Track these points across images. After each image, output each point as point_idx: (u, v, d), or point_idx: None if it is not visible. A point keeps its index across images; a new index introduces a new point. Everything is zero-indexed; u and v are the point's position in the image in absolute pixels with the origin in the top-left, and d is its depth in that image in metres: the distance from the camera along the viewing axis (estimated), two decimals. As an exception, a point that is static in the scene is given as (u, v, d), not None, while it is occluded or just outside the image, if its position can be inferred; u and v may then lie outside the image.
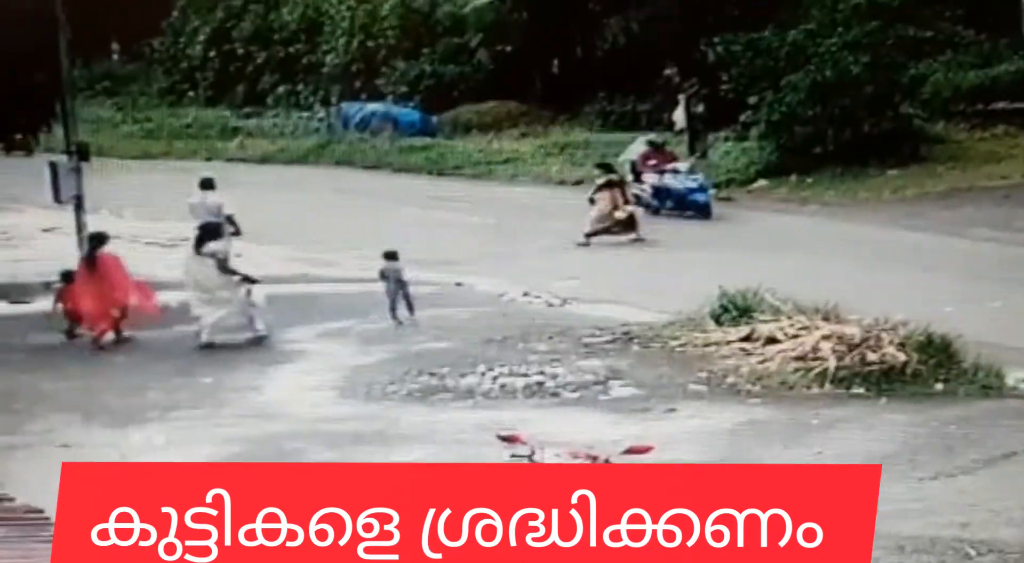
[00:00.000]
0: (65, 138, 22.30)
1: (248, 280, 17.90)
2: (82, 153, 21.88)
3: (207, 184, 22.27)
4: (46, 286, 21.17)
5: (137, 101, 47.77)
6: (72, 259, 21.17)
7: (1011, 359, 14.99)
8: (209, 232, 18.22)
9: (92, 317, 17.86)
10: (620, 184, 24.57)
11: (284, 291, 20.90)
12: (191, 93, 47.33)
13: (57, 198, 21.93)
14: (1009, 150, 31.02)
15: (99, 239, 18.85)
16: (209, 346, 17.29)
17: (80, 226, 21.85)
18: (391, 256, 18.50)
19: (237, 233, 21.64)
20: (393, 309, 18.26)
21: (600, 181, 24.55)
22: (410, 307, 18.32)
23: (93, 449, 12.92)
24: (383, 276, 18.45)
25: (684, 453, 11.93)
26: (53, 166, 21.74)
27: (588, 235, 23.53)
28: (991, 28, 35.38)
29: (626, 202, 24.03)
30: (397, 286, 18.33)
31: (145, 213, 27.66)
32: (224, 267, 17.74)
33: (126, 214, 28.25)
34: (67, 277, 18.41)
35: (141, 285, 18.44)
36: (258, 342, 17.45)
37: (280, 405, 14.63)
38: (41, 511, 10.41)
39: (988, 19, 35.18)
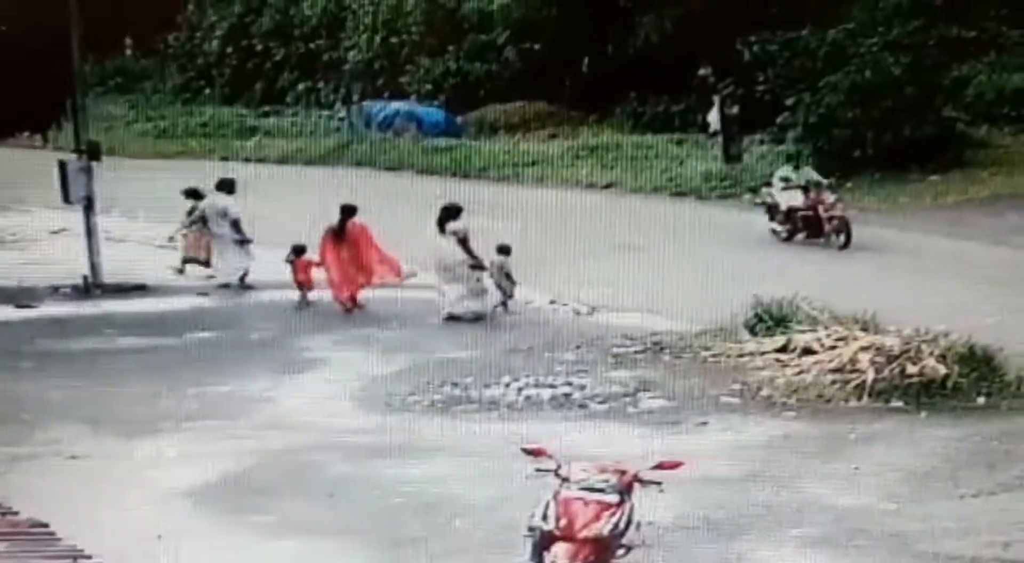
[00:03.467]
0: (75, 136, 22.38)
1: (478, 266, 19.35)
2: (93, 152, 21.98)
3: (224, 186, 22.38)
4: (54, 290, 21.33)
5: (151, 98, 47.89)
6: (82, 262, 21.37)
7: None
8: (450, 212, 19.60)
9: (337, 285, 19.91)
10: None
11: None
12: (207, 91, 47.44)
13: (67, 198, 22.04)
14: (1055, 155, 30.91)
15: (349, 210, 20.35)
16: (451, 318, 18.83)
17: (90, 228, 21.97)
18: (503, 250, 19.57)
19: (244, 241, 21.73)
20: (504, 303, 19.45)
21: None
22: (505, 304, 19.43)
23: (102, 461, 12.95)
24: (492, 268, 19.51)
25: (716, 469, 11.91)
26: (63, 165, 21.85)
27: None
28: (1037, 28, 35.25)
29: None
30: (506, 280, 19.43)
31: (158, 215, 27.72)
32: (464, 246, 19.23)
33: (139, 215, 28.35)
34: (298, 251, 20.44)
35: (388, 256, 20.14)
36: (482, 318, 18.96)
37: (297, 415, 14.65)
38: (46, 525, 10.48)
39: (1034, 19, 35.04)
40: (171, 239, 22.26)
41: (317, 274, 20.43)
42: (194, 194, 22.68)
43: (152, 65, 50.41)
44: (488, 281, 19.44)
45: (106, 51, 46.73)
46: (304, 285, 20.48)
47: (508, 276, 19.66)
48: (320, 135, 40.68)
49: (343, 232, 20.26)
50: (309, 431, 13.90)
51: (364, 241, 20.20)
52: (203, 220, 22.34)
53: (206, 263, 22.16)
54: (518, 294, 20.56)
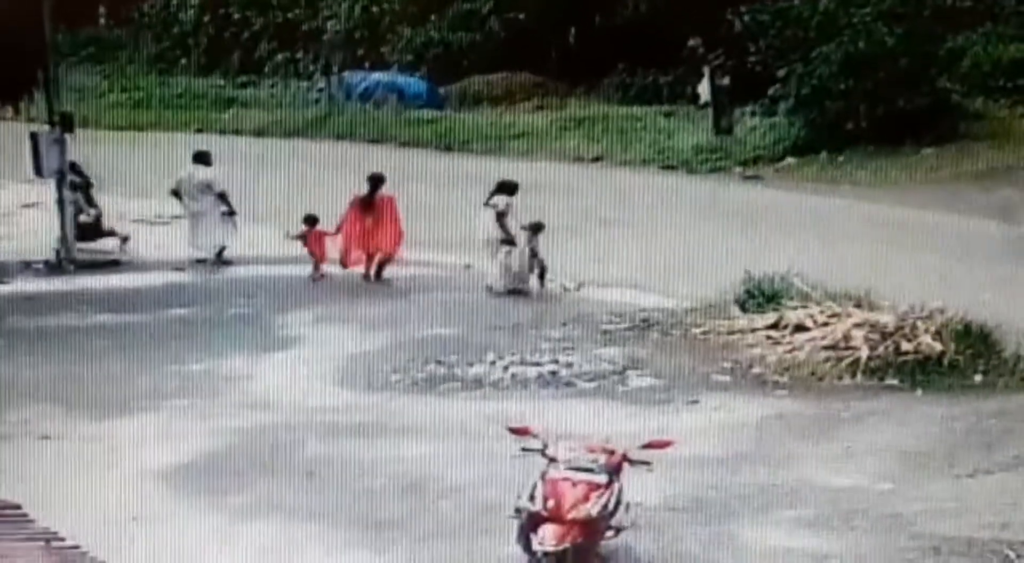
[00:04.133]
0: (48, 108, 22.20)
1: (509, 242, 19.54)
2: (66, 124, 21.83)
3: (200, 158, 22.27)
4: (26, 266, 21.20)
5: (125, 69, 47.67)
6: (53, 235, 21.26)
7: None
8: (503, 188, 20.01)
9: (347, 253, 20.39)
10: None
11: (280, 272, 20.90)
12: (183, 61, 47.23)
13: (39, 172, 21.90)
14: (1052, 128, 30.93)
15: (378, 180, 20.64)
16: (490, 291, 19.22)
17: (63, 201, 21.84)
18: (535, 228, 19.69)
19: (231, 212, 21.67)
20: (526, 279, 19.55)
21: None
22: (541, 277, 19.63)
23: (75, 442, 12.87)
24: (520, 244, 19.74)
25: (707, 448, 11.88)
26: (35, 137, 21.70)
27: None
28: (1036, -3, 35.23)
29: None
30: (531, 258, 19.59)
31: (133, 189, 27.58)
32: (500, 221, 19.57)
33: (112, 189, 28.21)
34: (310, 221, 20.69)
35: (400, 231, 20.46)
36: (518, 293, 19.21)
37: (275, 394, 14.58)
38: (18, 507, 10.40)
39: (1032, -12, 35.02)
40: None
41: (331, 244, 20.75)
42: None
43: (126, 35, 50.15)
44: (516, 258, 19.58)
45: (79, 20, 46.51)
46: (317, 257, 20.69)
47: (535, 253, 19.74)
48: (299, 106, 40.55)
49: (371, 201, 20.52)
50: (287, 410, 13.83)
51: (389, 213, 20.45)
52: (176, 194, 22.22)
53: None
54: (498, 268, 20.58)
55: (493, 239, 19.72)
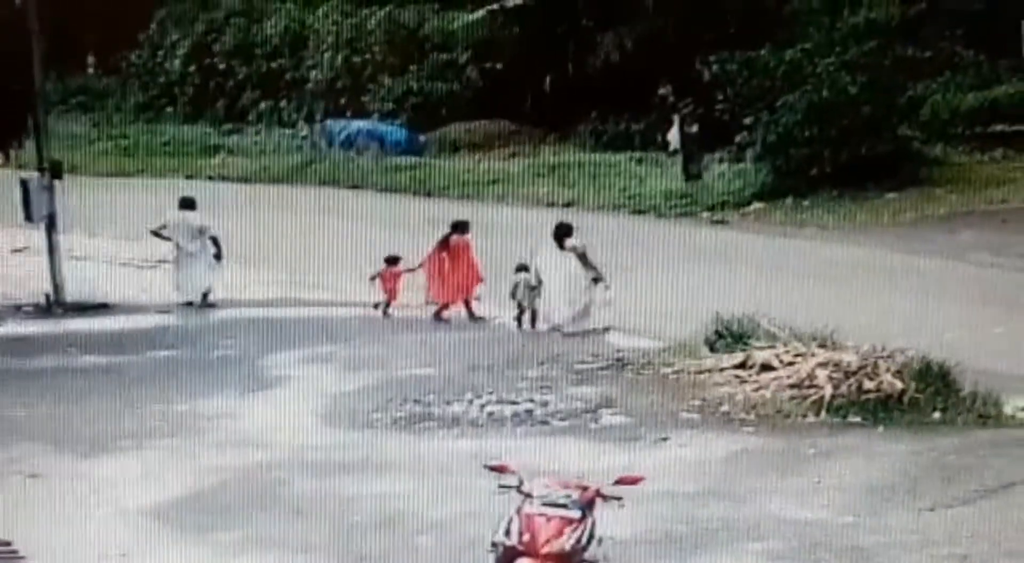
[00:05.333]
0: (38, 154, 22.26)
1: (599, 279, 19.65)
2: (55, 170, 21.88)
3: (187, 204, 22.33)
4: (17, 309, 21.21)
5: (113, 117, 47.72)
6: (44, 279, 21.27)
7: (1012, 387, 15.06)
8: (565, 229, 20.18)
9: (437, 295, 20.78)
10: None
11: (265, 314, 20.94)
12: (169, 109, 47.33)
13: (29, 217, 21.93)
14: (1009, 174, 31.17)
15: (457, 226, 21.02)
16: (558, 330, 19.44)
17: (52, 246, 21.86)
18: (524, 268, 20.00)
19: (219, 256, 21.72)
20: (519, 319, 19.96)
21: None
22: (533, 321, 19.89)
23: (64, 480, 12.87)
24: (514, 287, 20.03)
25: (676, 483, 11.95)
26: (24, 183, 21.74)
27: None
28: (991, 49, 35.60)
29: None
30: (529, 294, 19.90)
31: (120, 233, 27.61)
32: (584, 260, 19.65)
33: (100, 234, 28.24)
34: (391, 261, 21.31)
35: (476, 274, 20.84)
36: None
37: (261, 433, 14.61)
38: (8, 543, 10.42)
39: (988, 40, 35.40)
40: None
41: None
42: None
43: (114, 83, 50.24)
44: (600, 295, 19.76)
45: (69, 69, 46.59)
46: (389, 295, 21.17)
47: (533, 289, 20.01)
48: (283, 154, 40.65)
49: (447, 244, 20.90)
50: (272, 448, 13.86)
51: (464, 256, 20.81)
52: (157, 235, 22.27)
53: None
54: (475, 309, 20.73)
55: (572, 280, 19.81)
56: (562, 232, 20.20)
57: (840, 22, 35.38)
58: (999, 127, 33.08)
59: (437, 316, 20.73)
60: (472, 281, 20.89)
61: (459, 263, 20.77)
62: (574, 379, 16.25)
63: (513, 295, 20.12)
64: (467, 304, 20.89)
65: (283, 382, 16.82)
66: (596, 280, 19.69)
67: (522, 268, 20.13)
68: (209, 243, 21.77)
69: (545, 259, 20.03)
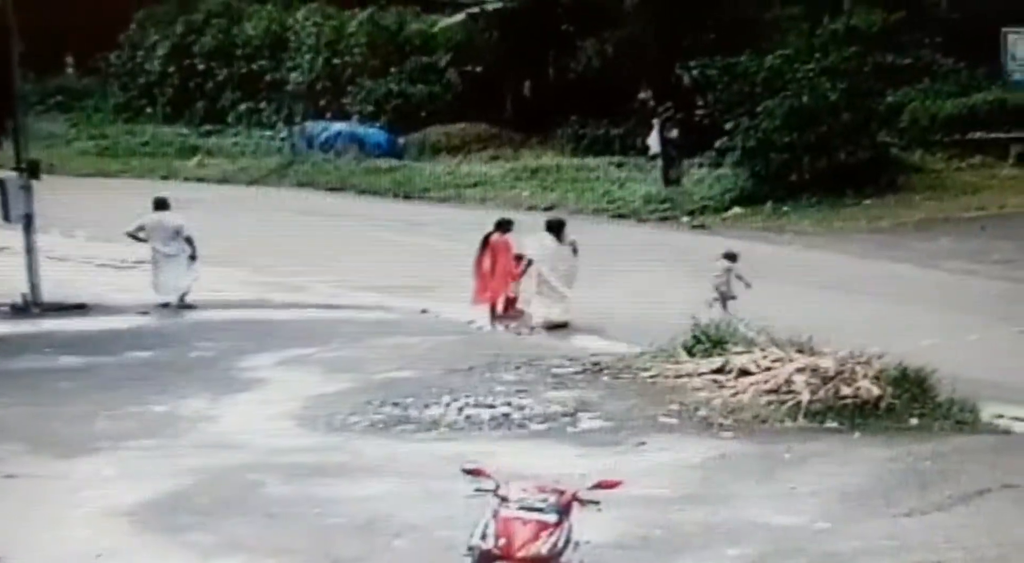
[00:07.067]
0: (16, 154, 22.20)
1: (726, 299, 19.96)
2: (33, 170, 21.81)
3: (161, 204, 22.29)
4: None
5: (92, 117, 47.64)
6: (21, 279, 21.21)
7: (987, 394, 15.12)
8: (560, 224, 20.97)
9: (481, 295, 20.87)
10: None
11: (242, 316, 20.90)
12: (148, 110, 47.25)
13: (6, 217, 21.87)
14: (986, 181, 31.35)
15: (501, 224, 21.06)
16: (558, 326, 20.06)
17: (29, 246, 21.79)
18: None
19: (194, 257, 21.68)
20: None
21: None
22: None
23: (40, 480, 12.82)
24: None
25: (654, 488, 11.96)
26: (2, 183, 21.67)
27: None
28: (969, 57, 35.79)
29: None
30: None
31: (98, 234, 27.54)
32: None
33: (78, 234, 28.18)
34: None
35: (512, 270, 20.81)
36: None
37: (238, 435, 14.57)
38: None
39: (966, 48, 35.58)
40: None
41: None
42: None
43: (93, 84, 50.16)
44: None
45: (47, 69, 46.47)
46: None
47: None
48: (262, 155, 40.63)
49: (487, 243, 20.95)
50: (248, 450, 13.83)
51: (503, 255, 20.77)
52: (134, 237, 22.22)
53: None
54: (454, 313, 20.73)
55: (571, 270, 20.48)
56: (560, 226, 20.81)
57: (820, 29, 35.57)
58: (977, 134, 33.27)
59: (501, 317, 20.77)
60: (501, 281, 20.85)
61: (499, 263, 20.78)
62: (552, 383, 16.24)
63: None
64: (506, 304, 20.88)
65: (260, 384, 16.78)
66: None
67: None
68: (184, 244, 21.71)
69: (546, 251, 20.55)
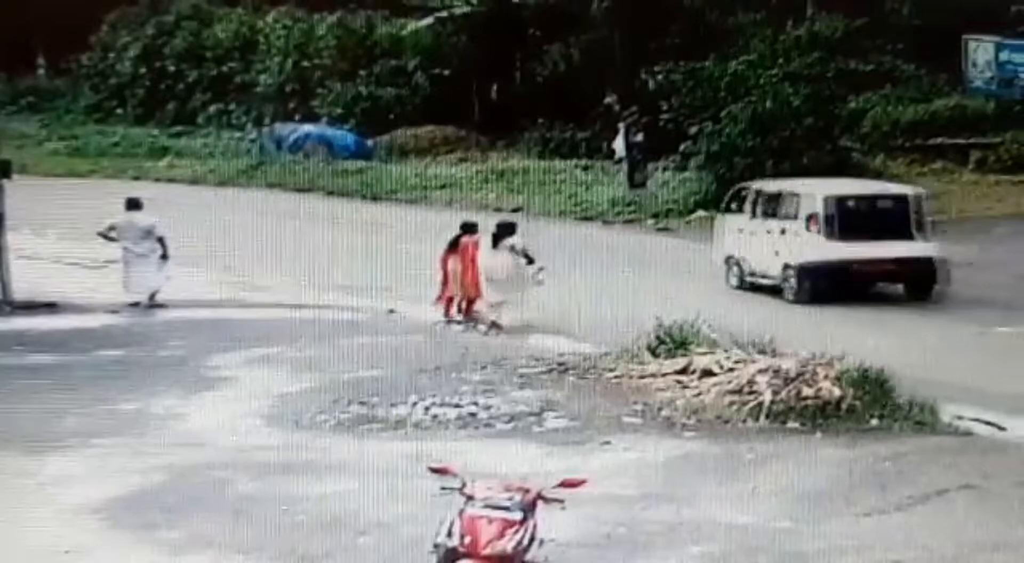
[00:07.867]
0: (-14, 155, 22.07)
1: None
2: (4, 170, 21.69)
3: (133, 204, 22.20)
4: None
5: (63, 118, 47.34)
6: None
7: (944, 395, 15.19)
8: (506, 229, 20.69)
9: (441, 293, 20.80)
10: None
11: (212, 316, 20.82)
12: (119, 111, 47.00)
13: (-24, 217, 21.74)
14: (946, 186, 31.49)
15: (467, 227, 21.03)
16: (495, 327, 19.93)
17: (1, 245, 21.65)
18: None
19: (165, 256, 21.59)
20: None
21: None
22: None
23: (9, 477, 12.75)
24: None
25: (618, 487, 11.97)
26: (-27, 184, 21.55)
27: None
28: (931, 63, 35.99)
29: None
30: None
31: (69, 233, 27.37)
32: (528, 256, 20.21)
33: (49, 234, 27.99)
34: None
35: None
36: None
37: (206, 433, 14.52)
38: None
39: (928, 54, 35.77)
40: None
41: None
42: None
43: (65, 85, 49.85)
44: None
45: (18, 70, 46.18)
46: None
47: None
48: (231, 156, 40.43)
49: (456, 245, 20.87)
50: (217, 448, 13.78)
51: (469, 258, 20.71)
52: (105, 237, 22.11)
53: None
54: (421, 313, 20.70)
55: (512, 276, 20.34)
56: (504, 231, 20.52)
57: (783, 35, 35.67)
58: (938, 140, 33.43)
59: (466, 315, 20.74)
60: (472, 284, 20.80)
61: (466, 265, 20.74)
62: (518, 383, 16.24)
63: None
64: (470, 304, 20.83)
65: (229, 382, 16.73)
66: (530, 261, 20.14)
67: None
68: (156, 244, 21.63)
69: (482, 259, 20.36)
